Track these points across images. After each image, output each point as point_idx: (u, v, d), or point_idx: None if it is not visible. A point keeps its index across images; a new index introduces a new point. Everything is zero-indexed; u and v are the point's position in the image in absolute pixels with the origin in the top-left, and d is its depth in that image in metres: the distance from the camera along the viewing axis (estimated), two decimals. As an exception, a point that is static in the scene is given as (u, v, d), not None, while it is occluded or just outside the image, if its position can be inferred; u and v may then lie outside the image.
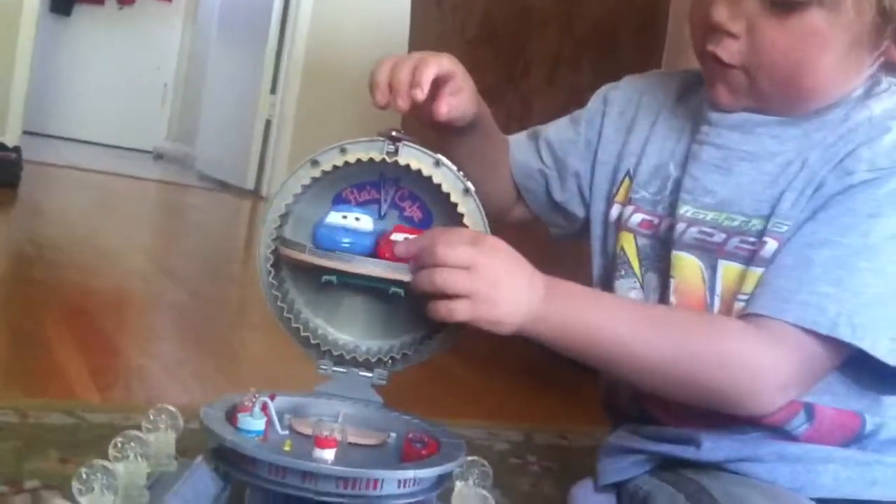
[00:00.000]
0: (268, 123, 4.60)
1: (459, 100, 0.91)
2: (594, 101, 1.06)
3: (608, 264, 1.00)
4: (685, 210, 0.91)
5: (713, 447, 0.87)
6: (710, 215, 0.90)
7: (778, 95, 0.87)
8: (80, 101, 5.89)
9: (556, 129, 1.07)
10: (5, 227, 2.74)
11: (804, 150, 0.87)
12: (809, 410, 0.86)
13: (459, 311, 0.80)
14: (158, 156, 5.95)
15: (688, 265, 0.91)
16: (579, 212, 1.05)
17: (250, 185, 4.61)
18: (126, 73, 6.06)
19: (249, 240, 3.56)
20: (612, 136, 1.01)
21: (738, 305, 0.87)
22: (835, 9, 0.80)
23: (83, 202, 3.65)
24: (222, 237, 3.54)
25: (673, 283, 0.91)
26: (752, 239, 0.87)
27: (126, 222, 3.37)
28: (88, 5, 6.02)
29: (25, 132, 4.16)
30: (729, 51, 0.85)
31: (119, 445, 0.68)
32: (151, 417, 0.76)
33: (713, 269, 0.89)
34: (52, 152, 4.81)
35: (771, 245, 0.86)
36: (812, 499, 0.82)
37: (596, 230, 1.02)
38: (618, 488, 0.95)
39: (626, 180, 0.98)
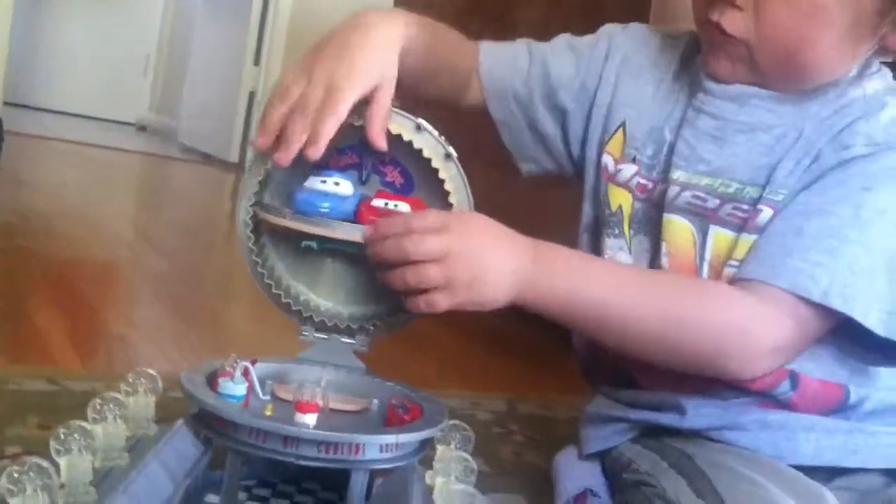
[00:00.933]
0: (251, 96, 4.57)
1: (384, 119, 0.85)
2: (599, 42, 1.01)
3: (599, 215, 0.98)
4: (678, 175, 0.90)
5: (695, 414, 0.87)
6: (705, 181, 0.89)
7: (777, 70, 0.86)
8: (61, 72, 5.81)
9: (553, 53, 1.01)
10: (-14, 198, 2.72)
11: (799, 122, 0.87)
12: (794, 378, 0.86)
13: (439, 302, 0.79)
14: (141, 128, 5.90)
15: (679, 228, 0.90)
16: (560, 149, 1.01)
17: (234, 157, 4.58)
18: (108, 43, 5.98)
19: (233, 212, 3.53)
20: (611, 80, 0.98)
21: (729, 272, 0.87)
22: None
23: (66, 173, 3.62)
24: (205, 209, 3.52)
25: (664, 246, 0.90)
26: (745, 206, 0.87)
27: (109, 194, 3.35)
28: (70, -25, 5.95)
29: (6, 103, 4.11)
30: (733, 22, 0.84)
31: (97, 407, 0.67)
32: (130, 381, 0.76)
33: (704, 234, 0.89)
34: (34, 123, 4.75)
35: (766, 213, 0.86)
36: (793, 466, 0.82)
37: (589, 177, 0.99)
38: (601, 456, 0.95)
39: (620, 133, 0.96)
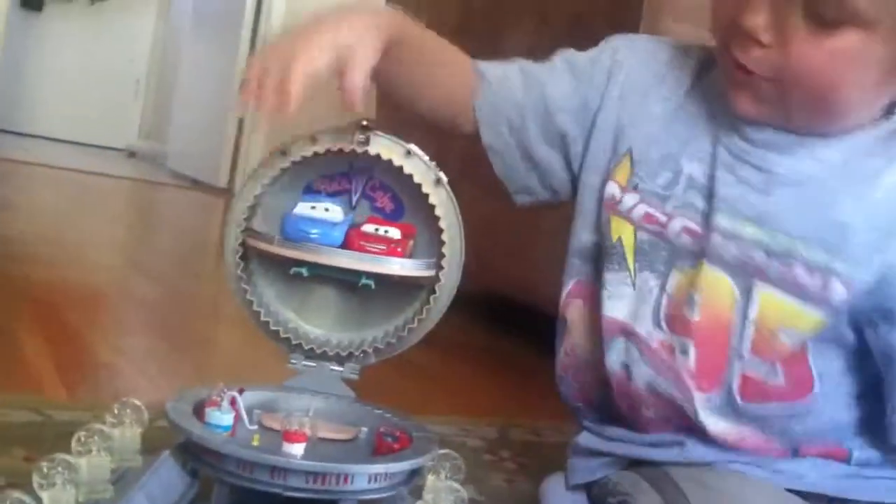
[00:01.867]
0: (240, 121, 4.57)
1: (361, 74, 0.81)
2: (601, 57, 0.94)
3: (599, 245, 0.92)
4: (721, 221, 0.83)
5: (695, 448, 0.85)
6: (750, 230, 0.82)
7: (804, 112, 0.81)
8: (51, 98, 5.81)
9: (550, 72, 0.94)
10: (-27, 224, 2.71)
11: (848, 178, 0.81)
12: (795, 453, 0.86)
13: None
14: (131, 153, 5.89)
15: (719, 284, 0.83)
16: (561, 176, 0.95)
17: (223, 182, 4.57)
18: (98, 69, 5.98)
19: (221, 238, 3.53)
20: (615, 102, 0.91)
21: (785, 340, 0.82)
22: (872, 32, 0.74)
23: (53, 199, 3.60)
24: (194, 235, 3.51)
25: (699, 297, 0.83)
26: (800, 267, 0.81)
27: (97, 219, 3.33)
28: (60, 1, 5.95)
29: (-4, 129, 4.11)
30: (756, 60, 0.78)
31: (82, 439, 0.66)
32: (116, 412, 0.75)
33: (747, 294, 0.82)
34: (21, 150, 4.74)
35: (839, 291, 0.80)
36: (788, 489, 0.81)
37: (587, 203, 0.92)
38: (588, 486, 0.93)
39: (627, 159, 0.89)
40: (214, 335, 1.84)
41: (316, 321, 0.92)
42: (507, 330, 2.10)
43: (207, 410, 0.76)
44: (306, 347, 0.89)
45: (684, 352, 0.84)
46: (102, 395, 1.30)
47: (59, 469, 0.61)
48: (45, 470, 0.60)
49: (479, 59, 0.97)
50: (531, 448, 1.27)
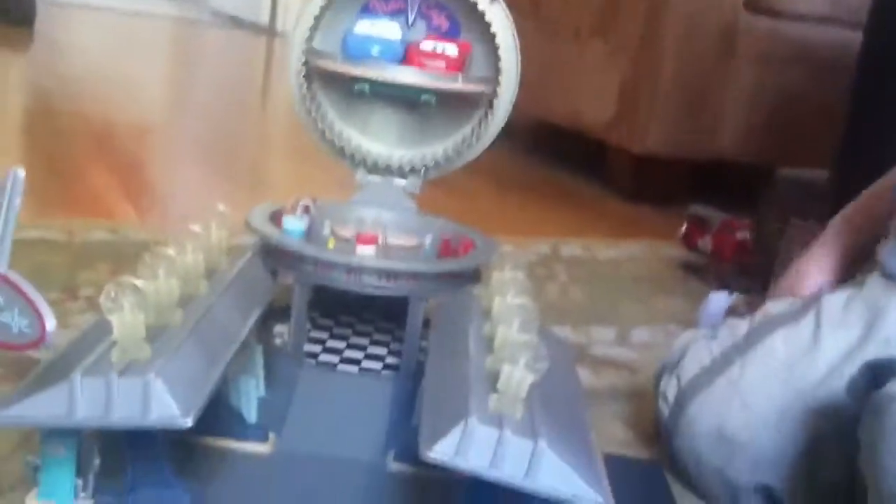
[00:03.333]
0: (279, -45, 4.51)
1: None
2: None
3: None
4: None
5: None
6: None
7: None
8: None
9: None
10: (26, 63, 2.76)
11: None
12: None
13: None
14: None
15: None
16: None
17: (264, 20, 4.55)
18: None
19: (267, 74, 3.55)
20: None
21: None
22: None
23: (99, 39, 3.63)
24: (239, 72, 3.53)
25: None
26: None
27: (143, 59, 3.36)
28: None
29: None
30: None
31: (177, 239, 0.70)
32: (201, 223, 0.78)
33: None
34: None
35: None
36: None
37: None
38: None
39: None
40: (268, 166, 1.90)
41: (378, 138, 0.95)
42: (556, 159, 2.13)
43: (284, 217, 0.81)
44: (370, 163, 0.93)
45: None
46: (169, 220, 1.37)
47: (127, 293, 0.58)
48: (112, 294, 0.57)
49: None
50: (582, 262, 1.32)
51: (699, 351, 0.75)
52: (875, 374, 0.62)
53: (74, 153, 1.62)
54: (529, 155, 2.07)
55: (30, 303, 0.52)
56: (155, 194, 1.50)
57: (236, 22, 4.69)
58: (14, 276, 0.52)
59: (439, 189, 0.94)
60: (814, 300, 0.74)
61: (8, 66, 2.63)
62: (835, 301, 0.73)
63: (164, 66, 3.35)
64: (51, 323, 0.52)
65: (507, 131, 0.92)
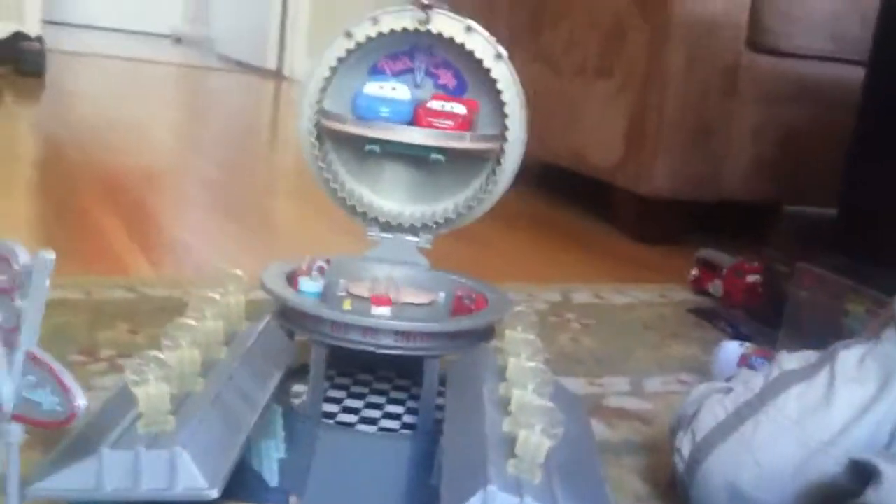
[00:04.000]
0: (284, 0, 4.56)
1: None
2: None
3: None
4: None
5: None
6: None
7: None
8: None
9: None
10: (37, 113, 2.81)
11: None
12: None
13: None
14: (177, 39, 5.92)
15: None
16: None
17: (271, 64, 4.60)
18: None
19: (275, 118, 3.58)
20: None
21: None
22: None
23: (108, 87, 3.67)
24: (248, 116, 3.56)
25: None
26: None
27: (151, 105, 3.40)
28: None
29: (45, 21, 4.16)
30: None
31: (196, 306, 0.72)
32: (217, 281, 0.80)
33: None
34: (73, 40, 4.79)
35: None
36: None
37: None
38: None
39: None
40: (276, 209, 1.92)
41: (389, 196, 0.97)
42: (562, 199, 2.15)
43: (300, 279, 0.83)
44: (382, 220, 0.95)
45: None
46: (185, 271, 1.39)
47: (151, 366, 0.60)
48: (137, 367, 0.59)
49: None
50: (594, 309, 1.33)
51: (714, 406, 0.76)
52: (858, 470, 0.63)
53: (85, 202, 1.64)
54: (535, 195, 2.09)
55: (59, 381, 0.53)
56: (168, 244, 1.52)
57: (243, 67, 4.74)
58: (42, 355, 0.54)
59: (450, 233, 0.96)
60: (829, 355, 0.75)
61: (19, 117, 2.68)
62: (850, 356, 0.73)
63: (173, 113, 3.38)
64: (81, 402, 0.53)
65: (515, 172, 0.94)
